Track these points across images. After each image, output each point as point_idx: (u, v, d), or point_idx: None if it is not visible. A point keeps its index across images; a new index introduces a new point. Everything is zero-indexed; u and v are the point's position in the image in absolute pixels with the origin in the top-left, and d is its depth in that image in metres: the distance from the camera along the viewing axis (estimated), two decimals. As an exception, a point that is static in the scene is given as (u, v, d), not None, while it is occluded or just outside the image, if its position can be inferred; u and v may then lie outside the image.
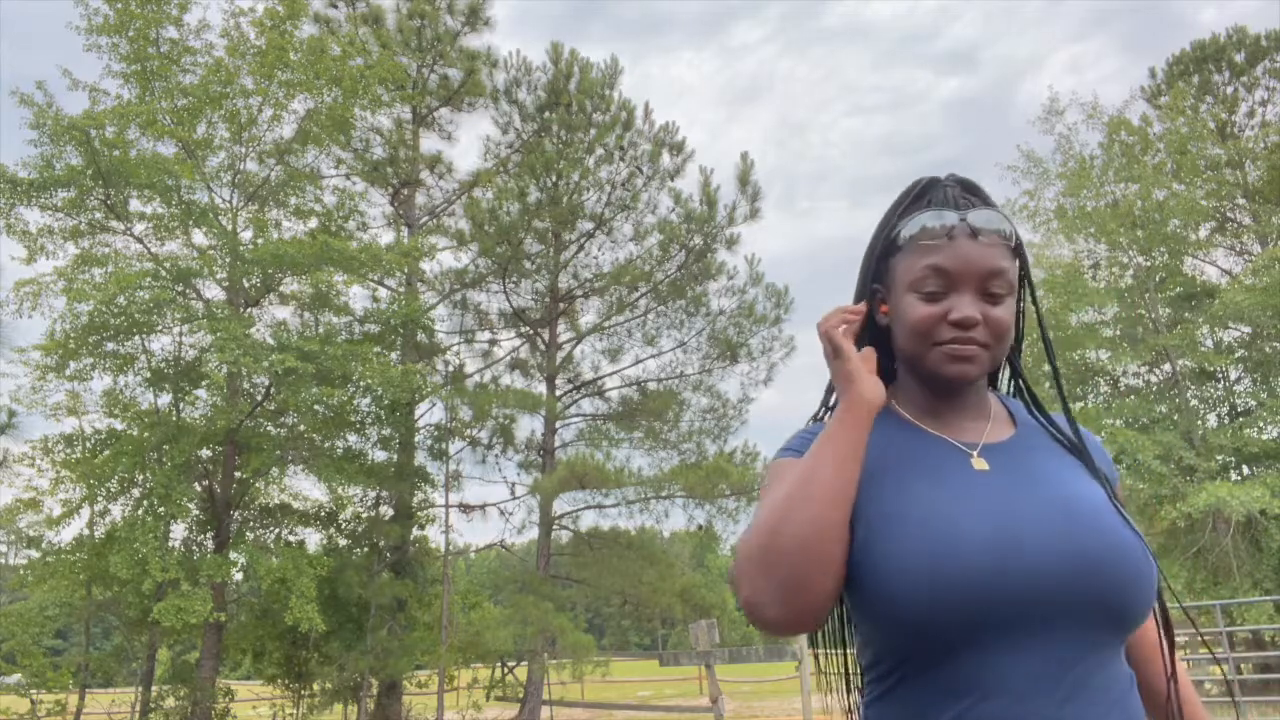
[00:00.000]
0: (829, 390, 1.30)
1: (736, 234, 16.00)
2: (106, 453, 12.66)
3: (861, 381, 1.11)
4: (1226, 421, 16.76)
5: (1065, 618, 0.97)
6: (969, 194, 1.18)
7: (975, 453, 1.13)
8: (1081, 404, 17.52)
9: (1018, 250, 1.18)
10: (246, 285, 13.60)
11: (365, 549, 15.22)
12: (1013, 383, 1.34)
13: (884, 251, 1.20)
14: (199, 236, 13.57)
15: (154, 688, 13.49)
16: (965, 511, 1.02)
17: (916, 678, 1.00)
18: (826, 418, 1.27)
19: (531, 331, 16.72)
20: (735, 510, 15.40)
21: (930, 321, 1.11)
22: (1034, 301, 1.26)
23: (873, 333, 1.24)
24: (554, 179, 15.92)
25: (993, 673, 0.95)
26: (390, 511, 15.51)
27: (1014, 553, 0.97)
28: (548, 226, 16.11)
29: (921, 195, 1.19)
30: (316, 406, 12.63)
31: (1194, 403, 16.55)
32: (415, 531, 15.71)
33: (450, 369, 16.27)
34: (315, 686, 15.29)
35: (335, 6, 16.52)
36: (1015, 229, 1.17)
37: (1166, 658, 1.14)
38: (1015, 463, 1.12)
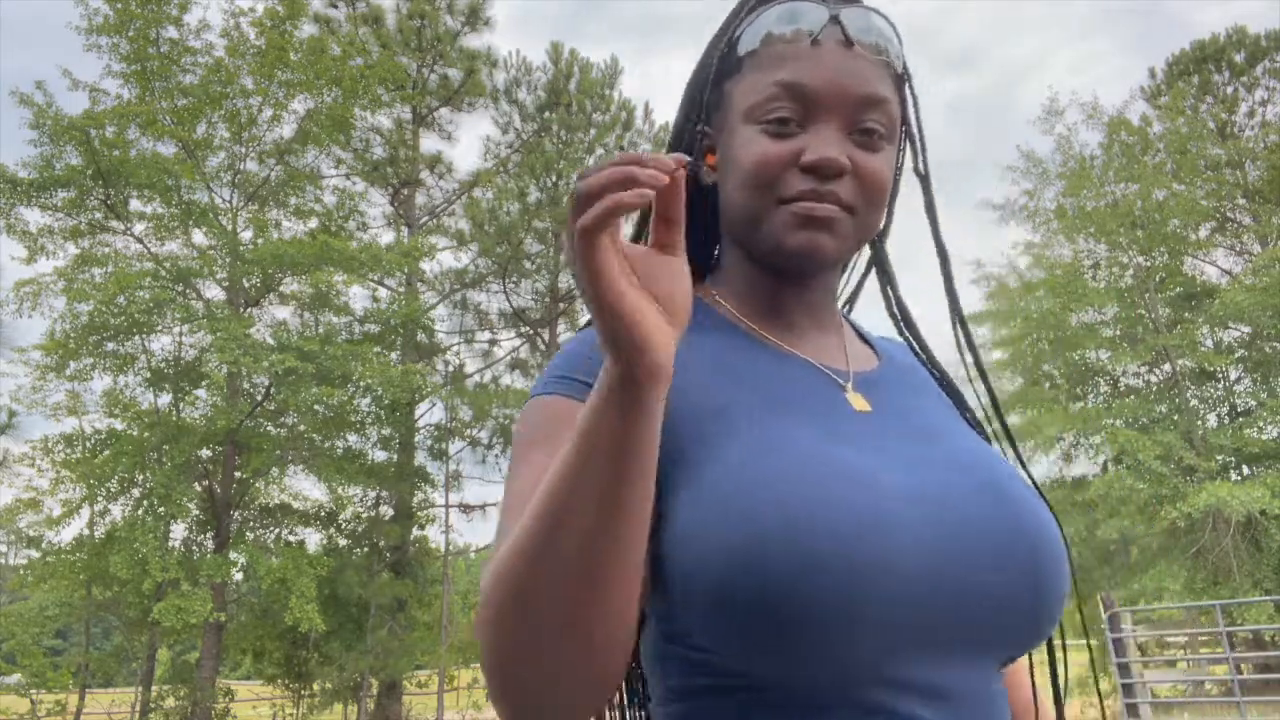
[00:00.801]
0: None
1: (736, 234, 16.00)
2: (106, 453, 12.66)
3: (625, 346, 0.55)
4: (1226, 421, 16.75)
5: (997, 623, 0.67)
6: None
7: (849, 384, 0.79)
8: (1081, 404, 17.52)
9: (903, 85, 0.82)
10: (246, 285, 13.60)
11: (365, 549, 15.22)
12: (845, 301, 0.94)
13: (718, 73, 0.82)
14: (199, 236, 13.59)
15: (154, 688, 13.49)
16: (878, 475, 0.68)
17: (781, 703, 0.65)
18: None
19: (531, 331, 16.72)
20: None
21: (775, 164, 0.75)
22: (922, 169, 0.85)
23: (691, 196, 0.77)
24: (554, 179, 15.92)
25: (914, 698, 0.65)
26: (390, 511, 15.51)
27: (954, 539, 0.66)
28: (548, 226, 16.11)
29: None
30: (316, 406, 12.63)
31: (1194, 403, 16.54)
32: (415, 531, 15.72)
33: (450, 369, 16.28)
34: (315, 686, 15.30)
35: (335, 6, 16.52)
36: (903, 50, 0.81)
37: (1052, 664, 0.81)
38: (900, 406, 0.79)
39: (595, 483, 0.58)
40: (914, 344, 0.90)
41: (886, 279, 0.91)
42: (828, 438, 0.71)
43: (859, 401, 0.77)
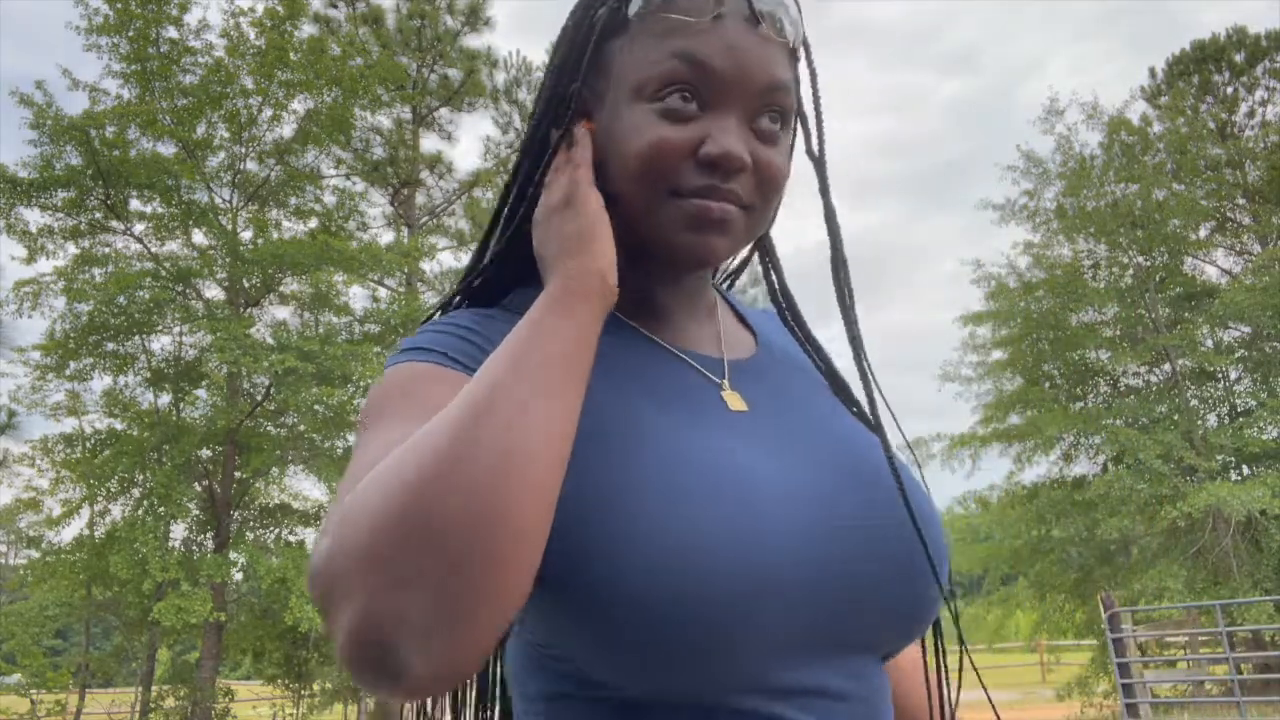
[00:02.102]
0: (486, 253, 0.80)
1: (736, 234, 16.02)
2: (106, 453, 12.66)
3: (597, 249, 0.66)
4: (1226, 421, 16.75)
5: (877, 624, 0.67)
6: None
7: (724, 381, 0.75)
8: (1081, 404, 17.52)
9: (798, 62, 0.75)
10: (246, 285, 13.60)
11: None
12: (726, 277, 0.91)
13: (604, 28, 0.72)
14: (199, 236, 13.58)
15: (154, 688, 13.49)
16: (756, 481, 0.65)
17: (653, 712, 0.62)
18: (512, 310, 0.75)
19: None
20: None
21: (671, 153, 0.68)
22: (815, 152, 0.77)
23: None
24: (554, 179, 15.94)
25: (792, 701, 0.63)
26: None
27: (834, 542, 0.65)
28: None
29: None
30: (316, 406, 12.62)
31: (1194, 403, 16.54)
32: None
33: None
34: (315, 686, 15.30)
35: (335, 6, 16.51)
36: (802, 22, 0.74)
37: (933, 657, 0.77)
38: (779, 398, 0.76)
39: (553, 361, 0.57)
40: (797, 333, 0.85)
41: (771, 262, 0.86)
42: (705, 440, 0.67)
43: (735, 400, 0.73)
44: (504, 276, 0.80)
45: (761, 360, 0.80)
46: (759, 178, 0.70)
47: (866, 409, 0.75)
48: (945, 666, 0.76)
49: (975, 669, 0.75)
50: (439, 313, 0.79)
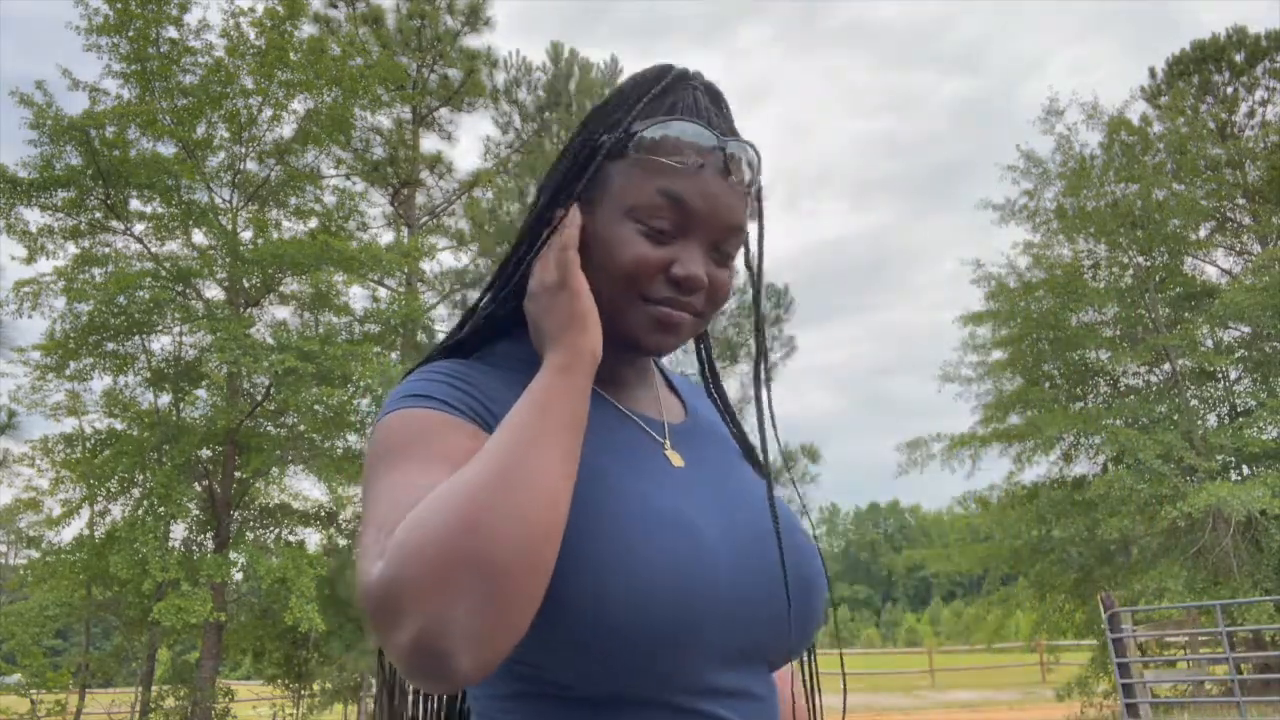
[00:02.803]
0: (470, 326, 0.95)
1: (737, 234, 15.99)
2: (106, 453, 12.66)
3: (594, 329, 0.82)
4: (1226, 421, 16.74)
5: (778, 642, 0.85)
6: (720, 111, 0.92)
7: (665, 439, 0.92)
8: (1081, 404, 17.52)
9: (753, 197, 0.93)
10: (246, 285, 13.60)
11: (365, 549, 15.19)
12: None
13: (608, 151, 0.89)
14: (199, 236, 13.58)
15: (154, 688, 13.49)
16: (696, 522, 0.82)
17: (607, 707, 0.77)
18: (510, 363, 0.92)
19: (531, 331, 16.70)
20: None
21: (649, 269, 0.85)
22: (754, 265, 0.96)
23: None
24: (554, 179, 15.92)
25: (718, 699, 0.80)
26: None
27: (752, 574, 0.82)
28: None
29: (665, 94, 0.90)
30: (316, 407, 12.62)
31: (1194, 403, 16.54)
32: (415, 531, 15.66)
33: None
34: (315, 686, 15.29)
35: (335, 6, 16.51)
36: (761, 175, 0.92)
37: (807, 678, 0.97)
38: (706, 458, 0.94)
39: (559, 427, 0.73)
40: (720, 404, 1.05)
41: (705, 345, 1.05)
42: (658, 492, 0.83)
43: (675, 458, 0.90)
44: (485, 331, 0.96)
45: (691, 425, 0.98)
46: (711, 293, 0.89)
47: (773, 472, 0.97)
48: (817, 677, 0.96)
49: (843, 673, 0.96)
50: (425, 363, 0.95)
